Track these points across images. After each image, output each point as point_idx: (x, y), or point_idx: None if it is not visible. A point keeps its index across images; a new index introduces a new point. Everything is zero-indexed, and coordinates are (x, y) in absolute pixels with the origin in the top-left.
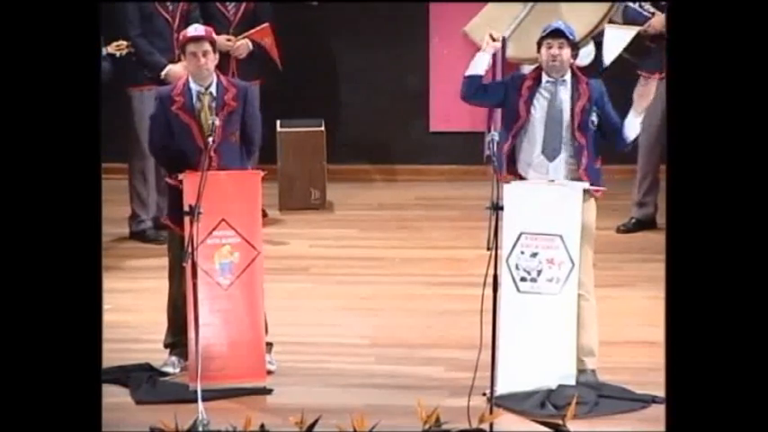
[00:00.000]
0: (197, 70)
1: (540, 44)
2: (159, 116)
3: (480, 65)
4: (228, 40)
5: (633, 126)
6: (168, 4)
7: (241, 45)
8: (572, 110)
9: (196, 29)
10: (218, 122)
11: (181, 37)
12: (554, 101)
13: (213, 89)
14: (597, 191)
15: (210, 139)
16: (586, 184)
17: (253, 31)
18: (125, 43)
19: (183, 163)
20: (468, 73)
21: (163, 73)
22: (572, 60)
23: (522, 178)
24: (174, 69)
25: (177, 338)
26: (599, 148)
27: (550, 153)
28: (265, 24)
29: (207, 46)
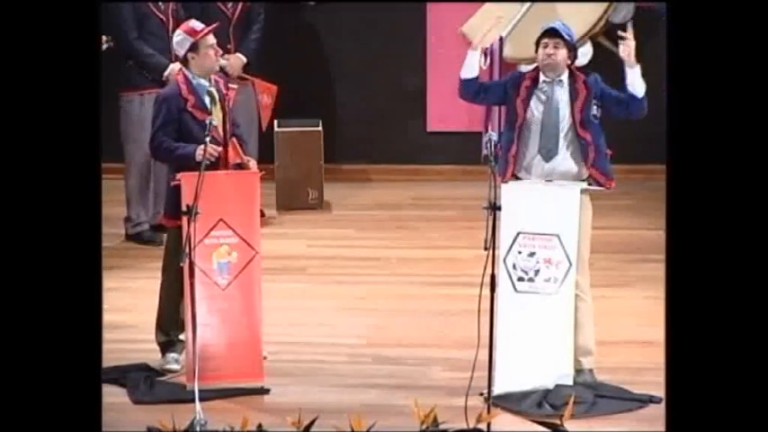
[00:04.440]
0: (212, 64)
1: (537, 44)
2: (170, 118)
3: (473, 65)
4: (225, 58)
5: (635, 80)
6: (161, 3)
7: (236, 61)
8: (572, 108)
9: (198, 23)
10: (215, 122)
11: (189, 32)
12: (550, 101)
13: (213, 83)
14: (609, 183)
15: (208, 139)
16: (584, 185)
17: (262, 82)
18: (105, 37)
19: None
20: (463, 76)
21: (166, 73)
22: (569, 61)
23: (519, 179)
24: (176, 69)
25: (172, 336)
26: (606, 140)
27: (546, 154)
28: (275, 87)
29: (214, 39)
